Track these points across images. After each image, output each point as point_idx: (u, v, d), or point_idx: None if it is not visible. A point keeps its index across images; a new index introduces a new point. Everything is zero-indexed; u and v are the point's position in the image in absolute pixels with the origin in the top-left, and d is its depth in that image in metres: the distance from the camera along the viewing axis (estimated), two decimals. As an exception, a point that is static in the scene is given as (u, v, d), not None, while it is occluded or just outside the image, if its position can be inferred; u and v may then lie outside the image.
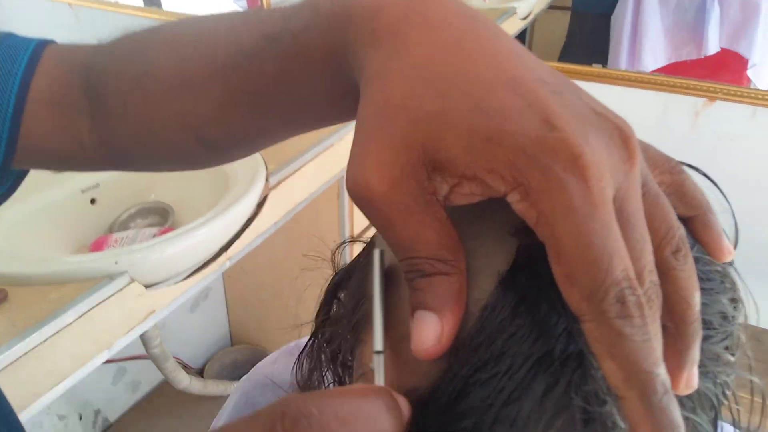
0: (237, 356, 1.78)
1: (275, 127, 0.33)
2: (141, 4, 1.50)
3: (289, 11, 0.28)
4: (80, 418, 1.47)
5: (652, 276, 0.19)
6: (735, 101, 1.40)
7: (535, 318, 0.20)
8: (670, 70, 1.66)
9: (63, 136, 0.37)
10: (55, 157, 0.39)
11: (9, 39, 0.37)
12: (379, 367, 0.22)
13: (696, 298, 0.20)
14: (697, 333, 0.20)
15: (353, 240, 0.32)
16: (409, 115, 0.20)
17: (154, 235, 1.05)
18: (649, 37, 1.80)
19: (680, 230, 0.21)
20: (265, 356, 1.85)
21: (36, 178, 1.01)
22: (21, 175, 0.41)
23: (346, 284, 0.30)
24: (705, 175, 0.28)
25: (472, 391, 0.20)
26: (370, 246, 0.29)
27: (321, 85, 0.28)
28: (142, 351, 1.32)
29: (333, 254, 0.32)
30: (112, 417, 1.57)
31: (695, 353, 0.20)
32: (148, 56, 0.34)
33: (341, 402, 0.17)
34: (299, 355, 0.32)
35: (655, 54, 1.78)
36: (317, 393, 0.18)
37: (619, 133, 0.20)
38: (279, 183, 1.15)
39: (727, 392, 0.25)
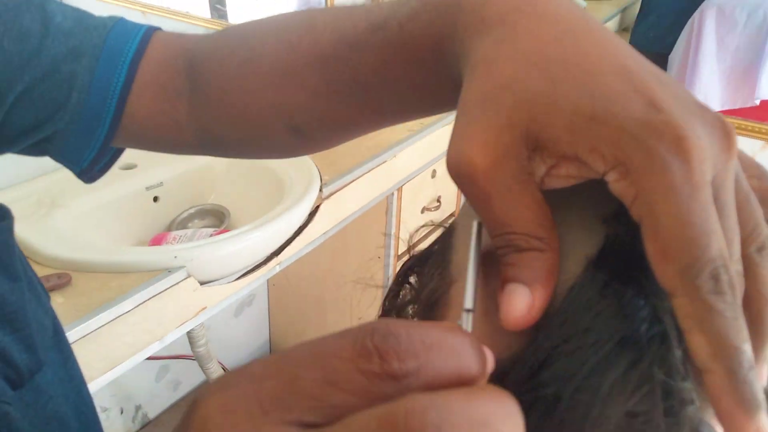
0: (274, 365, 1.80)
1: (367, 117, 0.34)
2: (208, 15, 1.58)
3: (397, 1, 0.29)
4: (121, 412, 1.51)
5: (737, 265, 0.20)
6: (795, 145, 1.37)
7: (623, 300, 0.21)
8: (726, 111, 1.64)
9: (163, 117, 0.40)
10: (153, 136, 0.41)
11: (120, 23, 0.40)
12: (467, 325, 0.22)
13: None
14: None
15: (433, 224, 0.33)
16: (516, 96, 0.21)
17: (210, 236, 1.09)
18: (703, 80, 1.79)
19: (766, 229, 0.21)
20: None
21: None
22: (117, 153, 0.44)
23: (420, 269, 0.30)
24: None
25: (556, 362, 0.21)
26: (447, 233, 0.30)
27: (421, 76, 0.29)
28: (186, 351, 1.35)
29: (410, 237, 0.33)
30: (152, 413, 1.60)
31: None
32: (251, 44, 0.36)
33: (430, 329, 0.17)
34: None
35: (708, 98, 1.77)
36: (407, 321, 0.18)
37: (721, 125, 0.20)
38: (332, 194, 1.18)
39: None
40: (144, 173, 1.15)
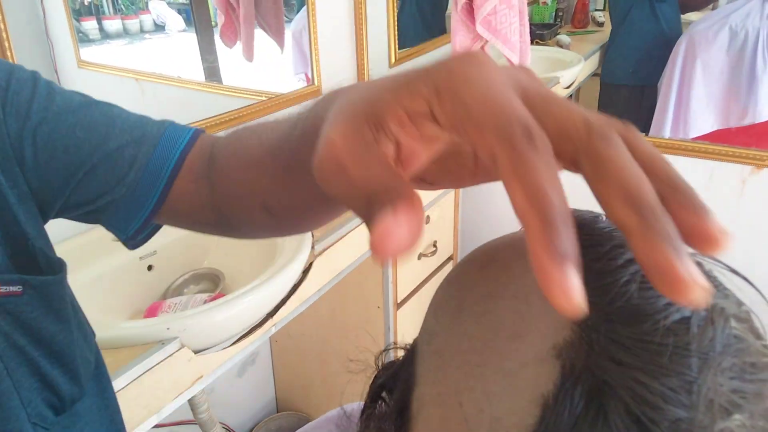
0: (282, 423, 1.78)
1: (314, 199, 0.40)
2: (203, 78, 1.61)
3: (308, 105, 0.38)
4: (128, 482, 1.48)
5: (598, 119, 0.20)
6: (785, 168, 1.37)
7: None
8: (715, 137, 1.65)
9: (191, 196, 0.48)
10: (185, 213, 0.49)
11: (173, 125, 0.50)
12: None
13: (666, 162, 0.20)
14: (688, 186, 0.20)
15: (396, 347, 0.33)
16: (353, 97, 0.24)
17: (205, 301, 1.09)
18: (693, 105, 1.81)
19: (589, 116, 0.20)
20: (309, 423, 1.81)
21: (98, 245, 1.06)
22: (156, 229, 0.51)
23: (391, 385, 0.30)
24: (738, 274, 0.26)
25: None
26: (411, 351, 0.30)
27: None
28: (190, 416, 1.34)
29: (376, 358, 0.33)
30: (159, 481, 1.58)
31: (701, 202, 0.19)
32: (238, 141, 0.46)
33: None
34: None
35: (702, 121, 1.78)
36: None
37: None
38: (324, 250, 1.19)
39: None
40: (137, 243, 1.16)
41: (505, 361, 0.22)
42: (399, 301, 1.53)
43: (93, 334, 0.52)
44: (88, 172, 0.45)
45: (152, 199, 0.47)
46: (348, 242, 1.25)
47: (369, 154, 0.22)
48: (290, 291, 1.12)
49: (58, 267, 0.46)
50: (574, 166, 0.20)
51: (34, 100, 0.44)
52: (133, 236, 0.49)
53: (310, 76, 1.52)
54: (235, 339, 1.04)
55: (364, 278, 1.48)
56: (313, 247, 1.15)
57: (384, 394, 0.31)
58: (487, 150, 0.19)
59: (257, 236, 0.50)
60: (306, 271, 1.16)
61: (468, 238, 1.85)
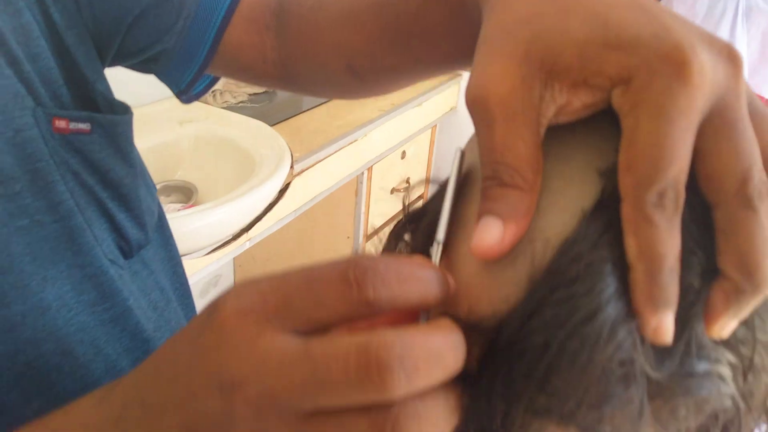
0: (239, 347, 1.79)
1: (409, 64, 0.37)
2: None
3: None
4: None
5: (761, 174, 0.20)
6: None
7: (615, 252, 0.21)
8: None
9: (252, 49, 0.45)
10: (242, 65, 0.46)
11: None
12: (436, 255, 0.24)
13: None
14: (764, 289, 0.21)
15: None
16: (533, 29, 0.22)
17: (178, 210, 1.07)
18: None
19: None
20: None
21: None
22: (212, 82, 0.50)
23: (416, 225, 0.30)
24: None
25: (546, 310, 0.21)
26: (441, 190, 0.30)
27: (450, 26, 0.32)
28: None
29: (404, 198, 0.33)
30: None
31: (749, 308, 0.21)
32: None
33: (403, 265, 0.21)
34: None
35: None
36: (386, 256, 0.22)
37: (728, 52, 0.21)
38: (303, 171, 1.17)
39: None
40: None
41: (552, 180, 0.23)
42: (369, 233, 1.53)
43: (154, 187, 0.51)
44: (137, 17, 0.42)
45: (203, 51, 0.44)
46: (327, 165, 1.24)
47: (524, 124, 0.22)
48: (266, 208, 1.11)
49: (122, 110, 0.44)
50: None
51: None
52: (186, 89, 0.47)
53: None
54: (209, 250, 1.03)
55: (336, 207, 1.48)
56: (292, 167, 1.13)
57: (406, 237, 0.31)
58: (623, 188, 0.20)
59: (326, 96, 0.48)
60: (283, 191, 1.14)
61: (442, 176, 1.85)
